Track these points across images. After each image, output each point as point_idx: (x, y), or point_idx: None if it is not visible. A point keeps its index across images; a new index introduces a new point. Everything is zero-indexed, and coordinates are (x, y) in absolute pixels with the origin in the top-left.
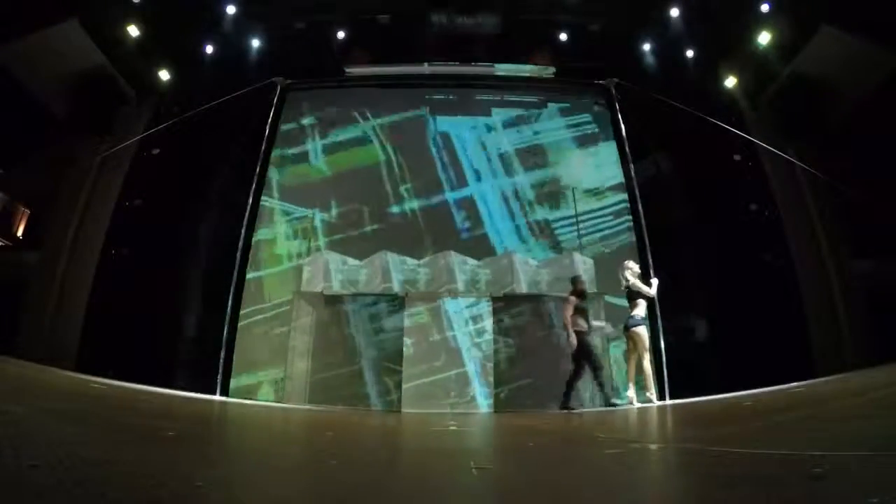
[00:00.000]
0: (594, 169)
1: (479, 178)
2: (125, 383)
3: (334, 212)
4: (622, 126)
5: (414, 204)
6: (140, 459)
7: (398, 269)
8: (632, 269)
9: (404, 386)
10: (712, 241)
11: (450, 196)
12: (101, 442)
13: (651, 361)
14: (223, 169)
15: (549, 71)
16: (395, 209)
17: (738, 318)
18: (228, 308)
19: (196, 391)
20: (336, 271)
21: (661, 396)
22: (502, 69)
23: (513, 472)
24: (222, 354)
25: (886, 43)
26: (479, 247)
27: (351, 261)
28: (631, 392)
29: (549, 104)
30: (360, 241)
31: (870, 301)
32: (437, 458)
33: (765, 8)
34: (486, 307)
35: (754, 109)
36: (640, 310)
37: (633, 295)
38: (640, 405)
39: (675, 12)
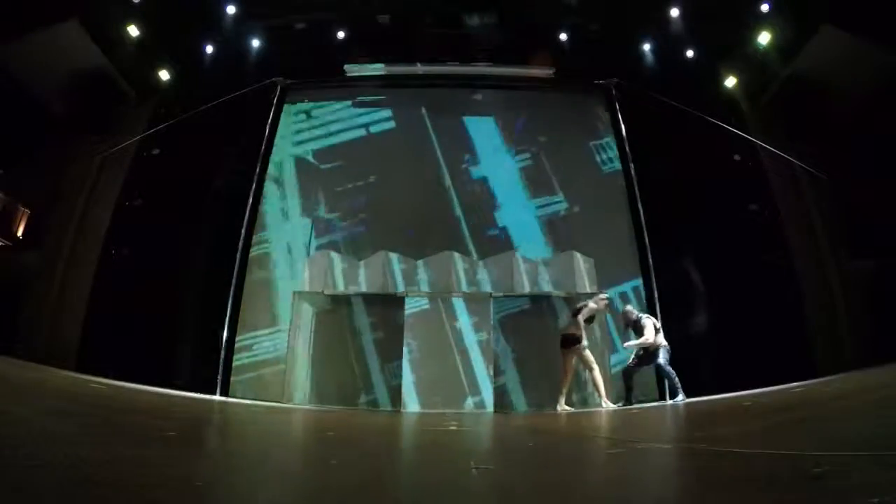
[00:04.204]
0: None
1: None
2: (125, 383)
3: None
4: (622, 126)
5: (416, 201)
6: (140, 459)
7: (398, 268)
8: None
9: (404, 386)
10: (712, 240)
11: (450, 195)
12: (101, 442)
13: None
14: (223, 169)
15: (549, 71)
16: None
17: (738, 318)
18: (228, 308)
19: (196, 391)
20: (336, 271)
21: (661, 396)
22: (502, 69)
23: (513, 472)
24: (222, 354)
25: (886, 43)
26: (480, 246)
27: (351, 260)
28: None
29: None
30: (361, 241)
31: (870, 301)
32: (437, 458)
33: (765, 8)
34: (486, 306)
35: (754, 109)
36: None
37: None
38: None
39: (675, 12)
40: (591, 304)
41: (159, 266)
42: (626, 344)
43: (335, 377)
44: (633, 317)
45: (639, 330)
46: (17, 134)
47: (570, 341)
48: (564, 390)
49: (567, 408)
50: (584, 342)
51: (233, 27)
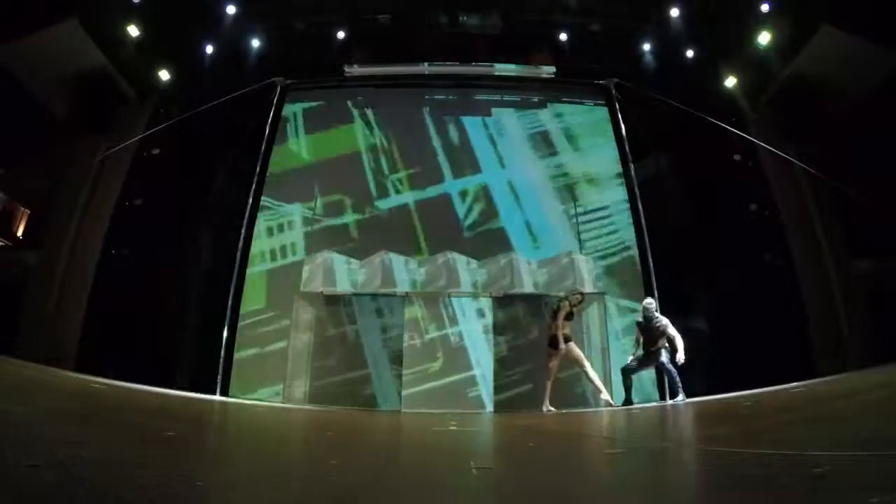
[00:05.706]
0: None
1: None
2: (125, 383)
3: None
4: (622, 126)
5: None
6: (140, 459)
7: (398, 269)
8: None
9: (404, 386)
10: (713, 240)
11: (451, 195)
12: (101, 442)
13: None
14: (223, 169)
15: (549, 71)
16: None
17: (739, 318)
18: (228, 308)
19: (196, 391)
20: (336, 271)
21: (661, 397)
22: (502, 69)
23: (513, 472)
24: (222, 354)
25: (886, 43)
26: (480, 246)
27: (351, 260)
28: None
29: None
30: (361, 241)
31: (870, 301)
32: (438, 458)
33: (765, 8)
34: (486, 307)
35: (754, 109)
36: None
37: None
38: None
39: (675, 12)
40: (566, 303)
41: (159, 266)
42: (679, 359)
43: (335, 377)
44: (650, 314)
45: (655, 330)
46: (18, 134)
47: (554, 342)
48: (548, 389)
49: (551, 408)
50: (562, 344)
51: (233, 27)
